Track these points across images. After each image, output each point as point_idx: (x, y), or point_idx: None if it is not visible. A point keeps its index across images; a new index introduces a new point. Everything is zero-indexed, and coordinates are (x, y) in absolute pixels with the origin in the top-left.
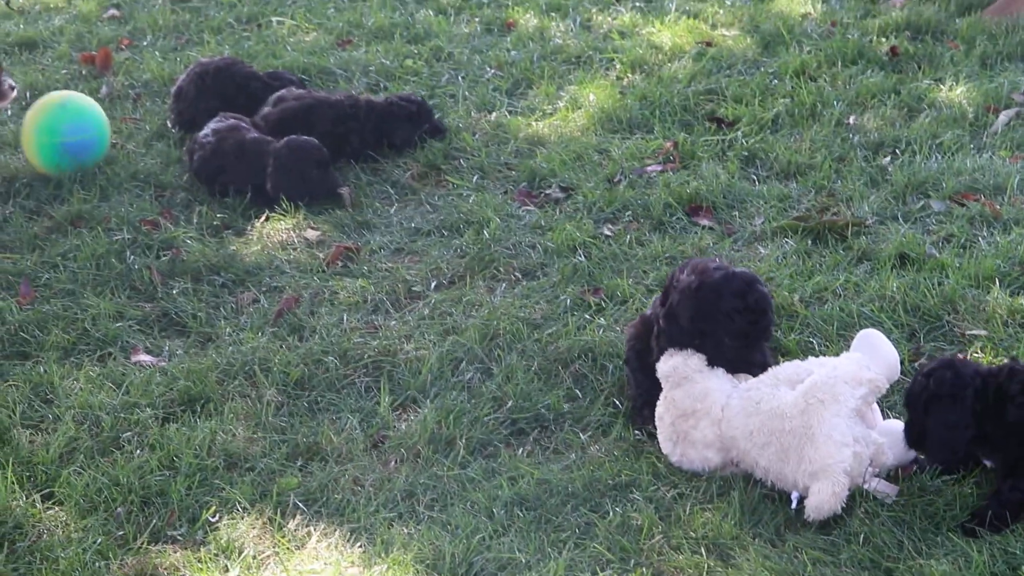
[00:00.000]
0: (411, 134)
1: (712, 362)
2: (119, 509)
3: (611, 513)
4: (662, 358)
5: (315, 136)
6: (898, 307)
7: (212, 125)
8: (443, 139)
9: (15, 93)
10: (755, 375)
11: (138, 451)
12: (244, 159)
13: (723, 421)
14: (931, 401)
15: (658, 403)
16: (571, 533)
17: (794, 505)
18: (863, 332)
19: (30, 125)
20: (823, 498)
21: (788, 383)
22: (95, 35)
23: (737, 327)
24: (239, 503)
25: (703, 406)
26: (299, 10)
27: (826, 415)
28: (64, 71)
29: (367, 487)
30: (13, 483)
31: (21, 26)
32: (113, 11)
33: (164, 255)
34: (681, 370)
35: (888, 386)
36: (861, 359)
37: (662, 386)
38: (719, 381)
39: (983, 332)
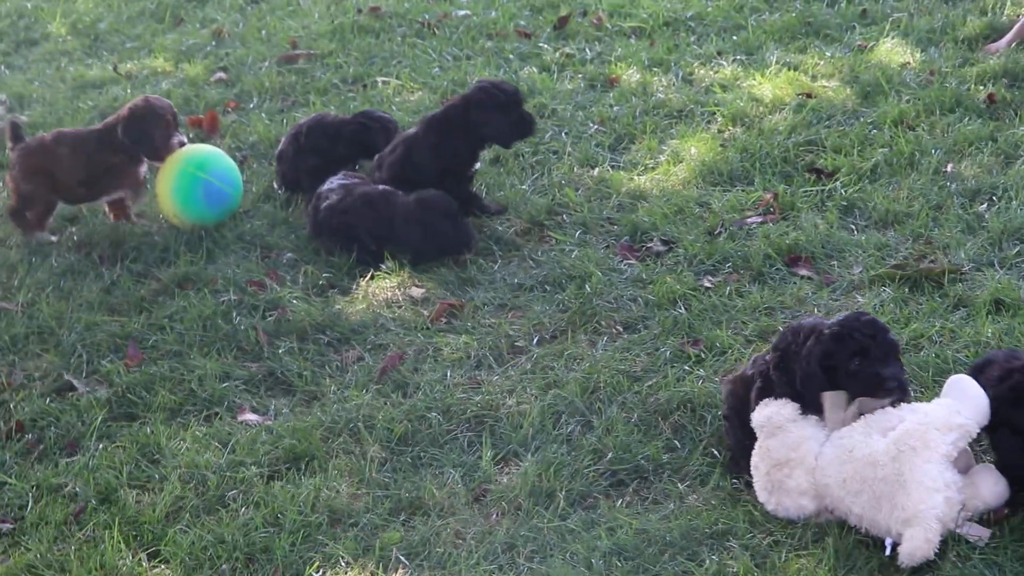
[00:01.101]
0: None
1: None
2: (224, 567)
3: (707, 561)
4: (757, 408)
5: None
6: None
7: (337, 180)
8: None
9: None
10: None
11: (243, 509)
12: (373, 211)
13: (817, 469)
14: None
15: (753, 453)
16: None
17: (888, 552)
18: (953, 377)
19: (174, 161)
20: (916, 544)
21: (880, 431)
22: (202, 98)
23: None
24: (342, 558)
25: (797, 455)
26: (404, 70)
27: (918, 462)
28: None
29: (468, 540)
30: (120, 543)
31: (128, 91)
32: (220, 74)
33: (270, 315)
34: (775, 420)
35: (979, 430)
36: (952, 404)
37: (757, 436)
38: (813, 430)
39: None
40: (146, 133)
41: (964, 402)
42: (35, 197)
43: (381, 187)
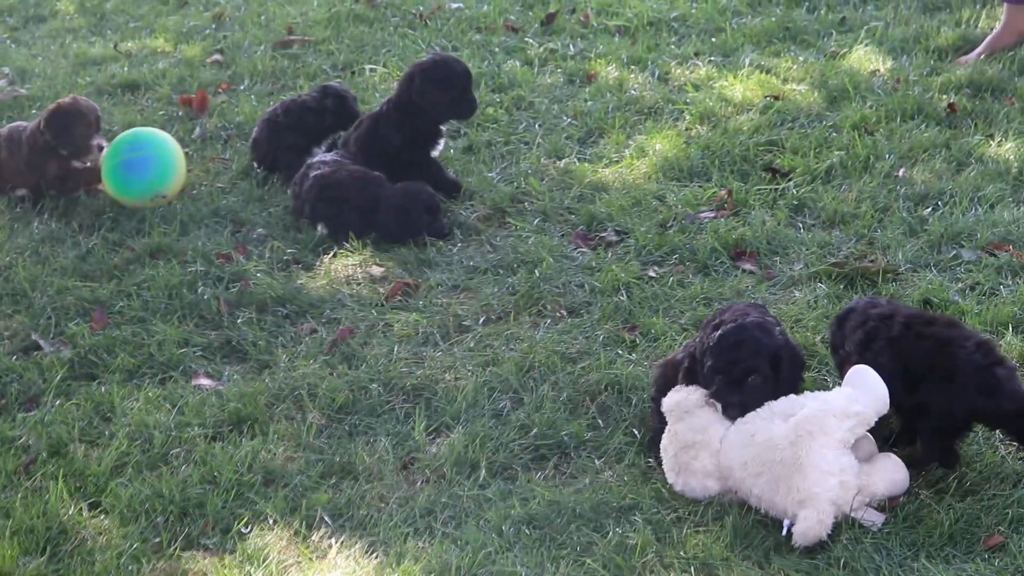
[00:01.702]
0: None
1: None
2: (159, 519)
3: (611, 533)
4: (668, 394)
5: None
6: None
7: (329, 156)
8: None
9: (102, 153)
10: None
11: (184, 466)
12: (362, 188)
13: (721, 452)
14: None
15: (663, 436)
16: (571, 550)
17: (784, 532)
18: (855, 367)
19: (102, 162)
20: (809, 525)
21: (783, 416)
22: (196, 79)
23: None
24: (270, 516)
25: (703, 438)
26: (392, 59)
27: (815, 446)
28: (162, 112)
29: (391, 504)
30: (64, 493)
31: (126, 68)
32: (216, 56)
33: (233, 287)
34: (684, 404)
35: (876, 419)
36: (851, 393)
37: (667, 420)
38: (718, 415)
39: None
40: (67, 130)
41: (863, 391)
42: None
43: (372, 171)
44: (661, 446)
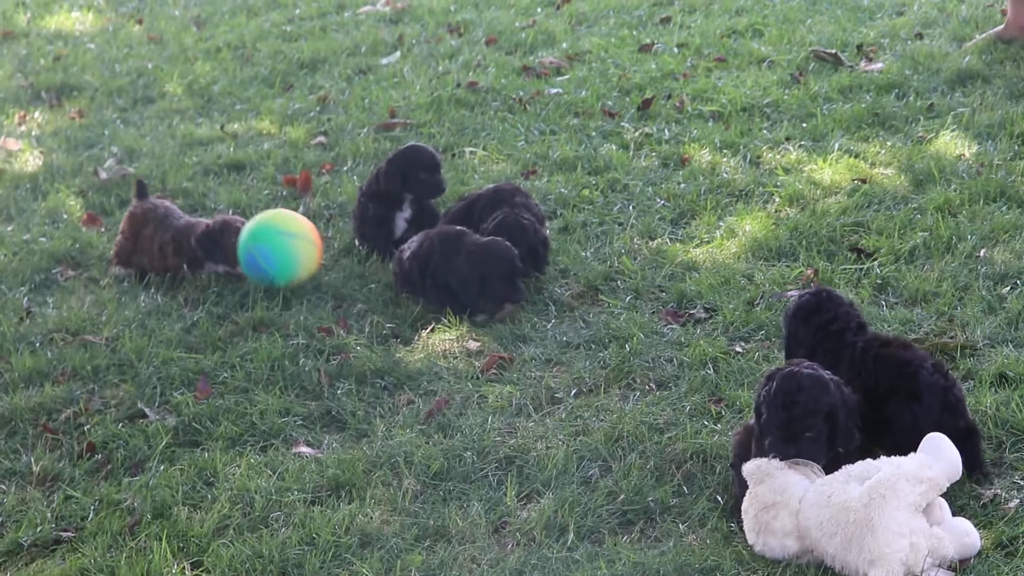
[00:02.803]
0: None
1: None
2: None
3: None
4: (748, 461)
5: None
6: (988, 420)
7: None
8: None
9: None
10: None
11: (283, 529)
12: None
13: (800, 512)
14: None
15: (744, 499)
16: None
17: None
18: (929, 435)
19: (252, 220)
20: None
21: (859, 479)
22: (300, 160)
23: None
24: None
25: (782, 499)
26: (491, 142)
27: (887, 509)
28: (267, 192)
29: (483, 565)
30: (167, 553)
31: (232, 149)
32: (320, 138)
33: (334, 359)
34: (764, 468)
35: (948, 485)
36: (924, 459)
37: (748, 484)
38: (797, 476)
39: None
40: (217, 245)
41: (937, 458)
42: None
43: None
44: (742, 508)
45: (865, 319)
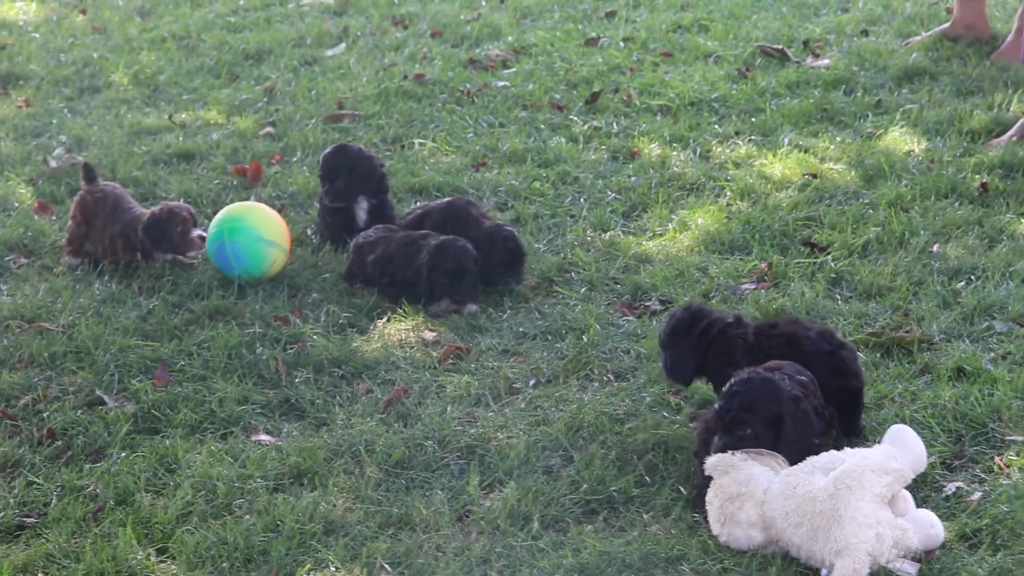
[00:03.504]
0: None
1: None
2: (224, 565)
3: None
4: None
5: None
6: (948, 414)
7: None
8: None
9: (204, 244)
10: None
11: (247, 516)
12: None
13: (765, 503)
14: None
15: (708, 490)
16: None
17: None
18: (894, 427)
19: (222, 211)
20: (845, 574)
21: (823, 470)
22: (249, 150)
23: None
24: (332, 563)
25: (747, 490)
26: (440, 133)
27: (852, 499)
28: (216, 181)
29: (448, 553)
30: (132, 539)
31: (181, 138)
32: (269, 129)
33: (291, 348)
34: (728, 460)
35: (913, 476)
36: (889, 451)
37: (712, 476)
38: (762, 468)
39: (1022, 438)
40: (164, 234)
41: (901, 450)
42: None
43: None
44: (706, 499)
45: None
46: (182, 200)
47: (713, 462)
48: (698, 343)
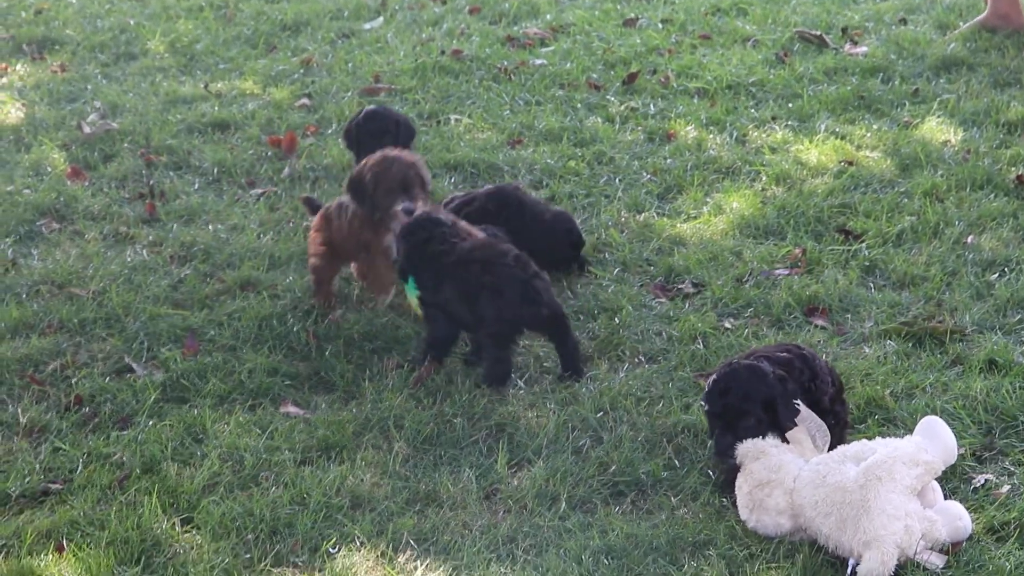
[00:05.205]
0: None
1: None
2: (249, 536)
3: (687, 566)
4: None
5: None
6: (978, 406)
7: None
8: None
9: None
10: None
11: (273, 488)
12: None
13: (794, 491)
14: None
15: (738, 475)
16: None
17: (849, 571)
18: (926, 418)
19: None
20: (873, 565)
21: (854, 460)
22: (284, 121)
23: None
24: (357, 537)
25: (777, 477)
26: (477, 110)
27: (882, 490)
28: (251, 152)
29: (474, 531)
30: (157, 508)
31: (216, 108)
32: (304, 100)
33: (322, 321)
34: (759, 445)
35: (943, 468)
36: (920, 442)
37: (742, 462)
38: (792, 455)
39: None
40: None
41: (932, 441)
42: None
43: None
44: (736, 484)
45: (462, 236)
46: (216, 171)
47: (745, 448)
48: (417, 250)
